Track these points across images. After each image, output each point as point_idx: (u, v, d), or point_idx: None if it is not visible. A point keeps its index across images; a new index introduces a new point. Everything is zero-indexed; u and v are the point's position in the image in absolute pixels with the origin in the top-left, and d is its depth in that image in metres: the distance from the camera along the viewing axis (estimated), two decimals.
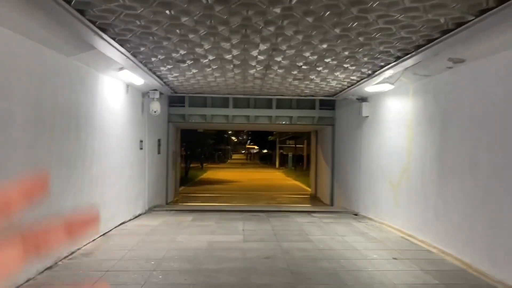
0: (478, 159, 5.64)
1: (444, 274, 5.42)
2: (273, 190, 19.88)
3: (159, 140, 12.07)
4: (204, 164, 45.66)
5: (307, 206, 12.79)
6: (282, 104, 13.94)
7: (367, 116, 10.33)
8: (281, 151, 47.65)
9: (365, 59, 6.26)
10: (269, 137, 38.04)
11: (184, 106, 13.59)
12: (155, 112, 10.04)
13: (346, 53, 5.91)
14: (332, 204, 13.94)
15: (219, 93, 10.37)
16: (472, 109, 5.82)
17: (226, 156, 79.85)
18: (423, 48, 5.51)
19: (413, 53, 5.78)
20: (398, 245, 6.97)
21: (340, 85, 8.99)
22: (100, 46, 5.67)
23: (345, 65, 6.75)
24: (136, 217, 9.60)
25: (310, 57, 6.20)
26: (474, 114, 5.78)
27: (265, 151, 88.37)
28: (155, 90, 9.99)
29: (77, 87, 6.47)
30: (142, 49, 5.91)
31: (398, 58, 6.21)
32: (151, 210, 10.73)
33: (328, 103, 13.92)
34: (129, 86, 8.97)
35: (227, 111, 13.72)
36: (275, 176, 30.61)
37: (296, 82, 8.59)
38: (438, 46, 5.41)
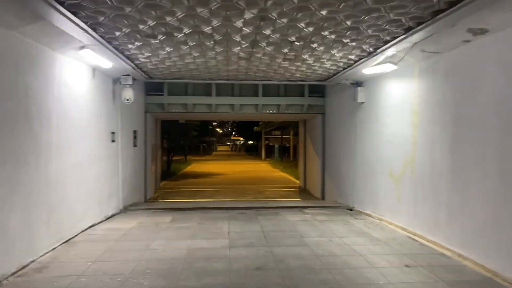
0: (507, 147, 4.76)
1: (471, 286, 4.55)
2: (260, 183, 18.95)
3: (135, 132, 10.98)
4: (189, 157, 44.49)
5: (297, 201, 11.89)
6: (269, 91, 12.96)
7: (362, 102, 9.41)
8: (267, 142, 46.75)
9: (370, 31, 5.29)
10: (255, 127, 37.01)
11: (162, 94, 12.49)
12: (127, 100, 8.94)
13: (349, 22, 4.93)
14: (323, 197, 13.08)
15: (200, 78, 9.30)
16: (498, 89, 4.93)
17: (211, 148, 78.61)
18: (442, 14, 4.56)
19: (429, 22, 4.82)
20: (407, 247, 6.09)
21: (335, 67, 8.03)
22: (46, 14, 4.58)
23: (345, 40, 5.77)
24: (108, 218, 8.55)
25: (305, 29, 5.20)
26: (501, 95, 4.88)
27: (250, 142, 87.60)
28: (127, 75, 8.87)
29: (26, 68, 5.36)
30: (101, 19, 4.83)
31: (408, 29, 5.26)
32: (126, 209, 9.68)
33: (318, 90, 13.00)
34: (96, 71, 7.85)
35: (209, 99, 12.67)
36: (261, 168, 29.69)
37: (286, 64, 7.59)
38: (459, 12, 4.48)
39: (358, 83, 9.43)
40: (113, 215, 8.86)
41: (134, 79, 9.13)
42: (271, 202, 11.59)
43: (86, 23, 5.00)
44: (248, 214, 8.83)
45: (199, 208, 9.74)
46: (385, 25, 5.05)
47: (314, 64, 7.66)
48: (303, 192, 15.38)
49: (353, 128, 10.03)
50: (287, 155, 39.06)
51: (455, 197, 5.80)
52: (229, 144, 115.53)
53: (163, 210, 9.58)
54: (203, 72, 8.56)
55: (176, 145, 24.30)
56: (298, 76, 9.21)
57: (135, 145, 10.95)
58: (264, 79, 9.47)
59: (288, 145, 39.32)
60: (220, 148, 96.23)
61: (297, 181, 19.21)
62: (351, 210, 9.82)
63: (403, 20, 4.83)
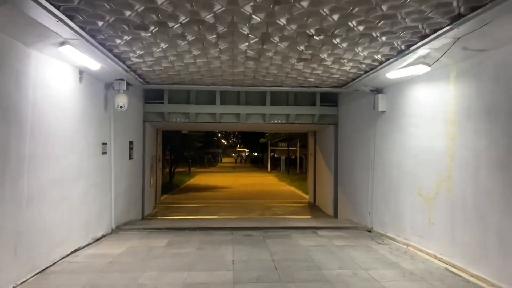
0: None
1: None
2: (266, 197, 17.90)
3: (131, 143, 10.02)
4: (193, 168, 43.55)
5: (308, 220, 10.80)
6: (278, 99, 12.00)
7: (383, 111, 8.41)
8: (273, 154, 45.75)
9: (408, 20, 4.31)
10: (261, 139, 36.05)
11: (163, 102, 11.57)
12: (121, 107, 8.00)
13: (385, 7, 3.96)
14: (335, 215, 12.01)
15: (202, 83, 8.35)
16: None
17: (216, 160, 77.73)
18: None
19: (487, 5, 3.83)
20: (449, 285, 5.03)
21: (355, 70, 7.05)
22: None
23: (375, 33, 4.79)
24: (97, 240, 7.55)
25: (329, 18, 4.24)
26: None
27: (255, 154, 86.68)
28: (121, 80, 7.95)
29: None
30: (76, 0, 3.90)
31: (455, 19, 4.28)
32: (119, 229, 8.68)
33: (330, 99, 12.02)
34: (84, 73, 6.92)
35: (213, 108, 11.73)
36: (267, 181, 28.63)
37: (300, 65, 6.62)
38: None
39: (378, 90, 8.44)
40: (103, 236, 7.86)
41: (128, 84, 8.20)
42: (280, 221, 10.53)
43: (57, 7, 4.06)
44: (255, 237, 7.79)
45: (200, 228, 8.71)
46: (428, 12, 4.07)
47: (332, 66, 6.68)
48: (313, 208, 14.31)
49: (372, 140, 9.02)
50: (293, 167, 37.99)
51: (508, 221, 4.75)
52: (234, 156, 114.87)
53: (160, 230, 8.56)
54: (206, 75, 7.62)
55: (178, 157, 23.34)
56: (312, 81, 8.25)
57: (131, 157, 9.99)
58: (273, 84, 8.50)
59: (294, 157, 38.29)
60: (225, 159, 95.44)
61: (306, 196, 18.13)
62: (369, 231, 8.75)
63: (454, 4, 3.85)
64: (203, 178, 30.83)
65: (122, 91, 8.01)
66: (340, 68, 6.89)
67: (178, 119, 11.94)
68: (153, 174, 13.63)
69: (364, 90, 8.59)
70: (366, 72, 7.19)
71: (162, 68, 6.94)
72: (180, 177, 27.30)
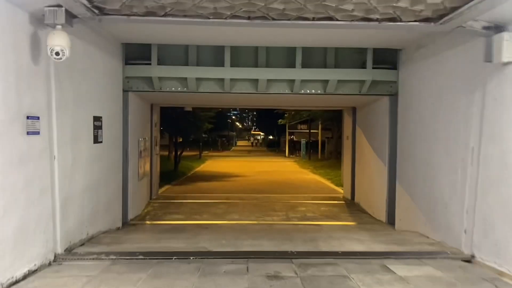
0: None
1: None
2: (289, 190, 14.58)
3: (97, 119, 6.75)
4: (205, 152, 40.49)
5: (362, 236, 7.08)
6: (311, 59, 8.54)
7: (507, 63, 4.91)
8: (291, 137, 42.30)
9: None
10: (280, 120, 32.60)
11: (150, 63, 8.25)
12: (57, 55, 4.66)
13: None
14: (390, 221, 8.65)
15: (195, 13, 4.88)
16: None
17: (230, 143, 74.67)
18: None
19: None
20: None
21: None
22: None
23: None
24: (14, 283, 4.36)
25: None
26: None
27: (270, 137, 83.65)
28: (57, 7, 4.61)
29: None
30: None
31: None
32: (69, 253, 5.48)
33: (386, 59, 8.53)
34: None
35: (221, 71, 8.35)
36: (287, 168, 25.29)
37: None
38: None
39: (499, 27, 4.93)
40: (30, 273, 4.66)
41: (72, 16, 4.85)
42: (319, 236, 7.10)
43: None
44: (285, 279, 4.48)
45: (196, 255, 5.43)
46: None
47: None
48: (352, 207, 10.93)
49: (475, 115, 5.54)
50: (311, 151, 34.43)
51: None
52: (248, 139, 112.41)
53: (132, 259, 5.31)
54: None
55: (186, 140, 20.10)
56: (384, 12, 4.77)
57: (97, 141, 6.72)
58: (318, 15, 4.97)
59: (315, 141, 34.76)
60: (240, 143, 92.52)
61: (338, 189, 14.76)
62: (468, 261, 5.39)
63: None
64: (214, 164, 27.64)
65: (59, 26, 4.68)
66: None
67: (173, 88, 8.61)
68: (145, 161, 10.43)
69: (471, 28, 5.06)
70: None
71: None
72: (188, 163, 24.16)
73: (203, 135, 42.36)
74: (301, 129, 39.42)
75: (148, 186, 11.29)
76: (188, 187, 15.00)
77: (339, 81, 8.46)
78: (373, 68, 8.38)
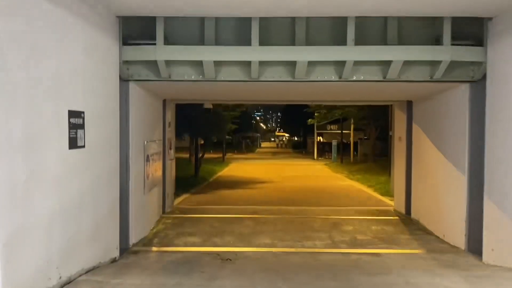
0: None
1: None
2: (325, 200, 12.44)
3: (75, 115, 4.86)
4: (229, 154, 38.68)
5: (459, 286, 5.06)
6: (367, 34, 6.44)
7: None
8: (319, 138, 39.94)
9: None
10: (309, 120, 30.36)
11: (155, 43, 6.32)
12: None
13: None
14: (470, 248, 6.48)
15: None
16: None
17: (254, 145, 72.75)
18: None
19: None
20: None
21: None
22: None
23: None
24: None
25: None
26: None
27: (295, 138, 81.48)
28: None
29: None
30: None
31: None
32: None
33: (468, 32, 6.35)
34: None
35: (247, 52, 6.33)
36: (317, 172, 23.07)
37: None
38: None
39: None
40: None
41: None
42: (393, 284, 4.96)
43: None
44: None
45: None
46: None
47: None
48: (411, 226, 8.72)
49: None
50: (341, 154, 31.89)
51: None
52: (273, 140, 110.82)
53: None
54: None
55: (208, 142, 18.22)
56: None
57: (75, 145, 4.83)
58: None
59: (347, 142, 32.36)
60: (264, 144, 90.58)
61: (385, 199, 12.52)
62: None
63: None
64: (239, 167, 25.71)
65: None
66: None
67: (185, 75, 6.66)
68: (155, 168, 8.57)
69: None
70: None
71: None
72: (210, 166, 22.31)
73: (227, 137, 40.68)
74: (331, 129, 37.02)
75: (160, 197, 9.41)
76: (209, 196, 13.07)
77: (404, 63, 6.31)
78: (453, 44, 6.20)
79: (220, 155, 31.55)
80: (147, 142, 7.74)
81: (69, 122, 4.67)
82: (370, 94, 8.72)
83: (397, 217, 9.65)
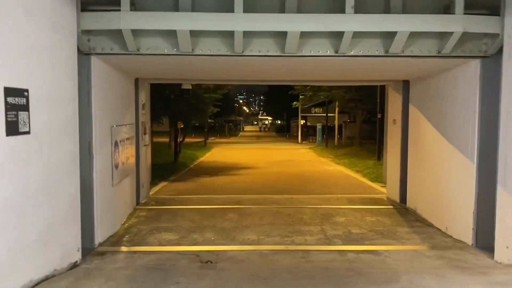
0: None
1: None
2: (314, 188, 11.71)
3: (13, 93, 3.89)
4: (211, 139, 37.75)
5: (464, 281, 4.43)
6: (369, 2, 5.61)
7: None
8: (303, 121, 39.25)
9: None
10: (294, 103, 29.40)
11: (119, 9, 5.33)
12: None
13: None
14: (479, 243, 5.84)
15: None
16: None
17: (237, 128, 71.77)
18: None
19: None
20: None
21: None
22: None
23: None
24: None
25: None
26: None
27: (278, 122, 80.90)
28: None
29: None
30: None
31: None
32: None
33: (483, 0, 5.57)
34: None
35: (230, 21, 5.37)
36: (303, 156, 22.38)
37: None
38: None
39: None
40: None
41: None
42: None
43: None
44: None
45: None
46: None
47: None
48: (408, 216, 8.05)
49: None
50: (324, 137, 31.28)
51: None
52: (256, 124, 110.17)
53: None
54: None
55: (187, 126, 17.25)
56: None
57: (17, 131, 3.88)
58: None
59: (331, 125, 31.74)
60: (247, 128, 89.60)
61: (375, 186, 11.89)
62: None
63: None
64: (221, 152, 24.85)
65: None
66: None
67: (157, 49, 5.71)
68: (127, 156, 7.66)
69: None
70: None
71: None
72: (191, 152, 21.38)
73: (209, 120, 39.56)
74: (315, 112, 36.32)
75: (133, 188, 8.49)
76: (189, 184, 12.20)
77: (410, 35, 5.49)
78: (465, 13, 5.40)
79: (202, 139, 30.57)
80: (115, 126, 6.79)
81: (6, 102, 3.71)
82: (366, 73, 7.89)
83: (391, 206, 8.98)
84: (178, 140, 16.49)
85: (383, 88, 16.97)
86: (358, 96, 21.45)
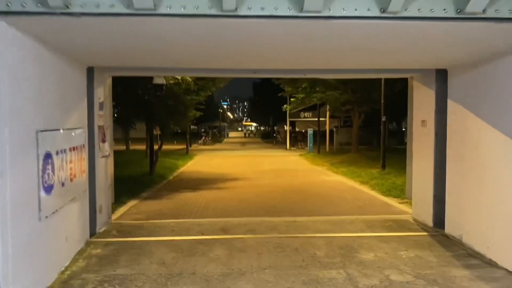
0: None
1: None
2: (319, 206, 9.61)
3: None
4: (194, 146, 35.50)
5: None
6: None
7: None
8: (290, 127, 37.32)
9: None
10: (284, 106, 27.27)
11: None
12: None
13: None
14: None
15: None
16: None
17: (222, 135, 69.44)
18: None
19: None
20: None
21: None
22: None
23: None
24: None
25: None
26: None
27: (262, 128, 78.99)
28: None
29: None
30: None
31: None
32: None
33: None
34: None
35: None
36: (295, 164, 20.31)
37: None
38: None
39: None
40: None
41: None
42: None
43: None
44: None
45: None
46: None
47: None
48: (454, 248, 6.00)
49: None
50: (315, 143, 29.32)
51: None
52: (240, 130, 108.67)
53: None
54: None
55: (165, 131, 14.99)
56: None
57: None
58: None
59: (323, 130, 29.85)
60: (232, 134, 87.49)
61: (390, 201, 9.85)
62: None
63: None
64: (205, 160, 22.61)
65: None
66: None
67: (99, 5, 3.52)
68: (74, 172, 5.44)
69: None
70: None
71: None
72: (172, 160, 19.09)
73: (192, 126, 37.26)
74: (304, 117, 34.39)
75: (84, 214, 6.25)
76: (165, 202, 9.94)
77: None
78: None
79: (184, 146, 28.29)
80: (47, 131, 4.57)
81: None
82: (400, 55, 5.79)
83: (425, 233, 6.93)
84: (154, 148, 14.20)
85: (386, 87, 15.10)
86: (355, 98, 19.56)
